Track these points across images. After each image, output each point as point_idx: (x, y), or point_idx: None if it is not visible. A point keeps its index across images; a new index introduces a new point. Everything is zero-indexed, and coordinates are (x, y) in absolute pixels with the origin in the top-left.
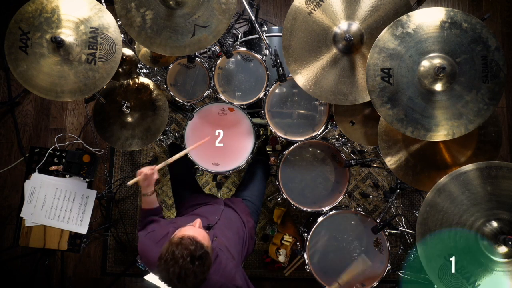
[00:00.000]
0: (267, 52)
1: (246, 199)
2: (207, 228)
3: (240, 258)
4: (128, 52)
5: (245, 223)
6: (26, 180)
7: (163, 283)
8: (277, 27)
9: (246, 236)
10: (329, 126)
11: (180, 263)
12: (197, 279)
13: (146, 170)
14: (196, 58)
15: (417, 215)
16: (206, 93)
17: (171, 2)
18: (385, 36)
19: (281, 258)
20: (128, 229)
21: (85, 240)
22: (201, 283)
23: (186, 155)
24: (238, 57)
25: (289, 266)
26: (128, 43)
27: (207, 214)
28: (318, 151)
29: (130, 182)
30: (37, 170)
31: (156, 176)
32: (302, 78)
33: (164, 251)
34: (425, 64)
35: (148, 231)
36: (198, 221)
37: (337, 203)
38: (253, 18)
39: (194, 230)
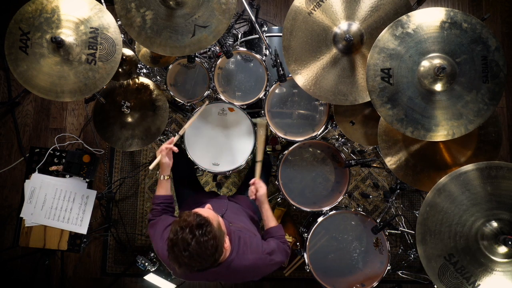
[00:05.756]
0: (267, 52)
1: None
2: None
3: (260, 234)
4: (128, 52)
5: (253, 216)
6: (26, 180)
7: (180, 269)
8: (277, 27)
9: (259, 222)
10: (329, 126)
11: (181, 236)
12: (203, 249)
13: (164, 146)
14: (196, 58)
15: (417, 215)
16: (206, 93)
17: (171, 2)
18: (385, 36)
19: None
20: (128, 229)
21: (85, 240)
22: (211, 257)
23: (187, 156)
24: (238, 57)
25: (289, 266)
26: (128, 43)
27: (213, 208)
28: (318, 151)
29: (151, 166)
30: (37, 170)
31: (175, 148)
32: (302, 78)
33: (170, 232)
34: (425, 64)
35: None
36: (207, 206)
37: (337, 203)
38: (253, 18)
39: (197, 209)
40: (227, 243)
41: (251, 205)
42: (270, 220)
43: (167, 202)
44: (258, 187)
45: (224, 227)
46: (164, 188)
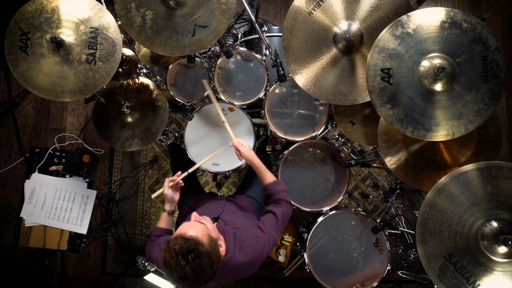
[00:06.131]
0: (267, 52)
1: (250, 196)
2: (215, 219)
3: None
4: (128, 52)
5: (252, 215)
6: (26, 180)
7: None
8: (277, 27)
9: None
10: (329, 126)
11: (174, 265)
12: (199, 271)
13: (168, 179)
14: (196, 58)
15: (417, 215)
16: (206, 93)
17: (171, 2)
18: (385, 36)
19: (281, 258)
20: (128, 229)
21: (85, 240)
22: (210, 272)
23: (187, 156)
24: (238, 57)
25: (289, 266)
26: (128, 43)
27: (210, 210)
28: (318, 151)
29: (153, 195)
30: (37, 170)
31: (180, 182)
32: (302, 78)
33: (162, 260)
34: (425, 64)
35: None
36: (193, 215)
37: (337, 203)
38: (253, 18)
39: (183, 227)
40: (222, 247)
41: (250, 204)
42: (266, 176)
43: (166, 235)
44: (238, 146)
45: (215, 233)
46: (165, 222)
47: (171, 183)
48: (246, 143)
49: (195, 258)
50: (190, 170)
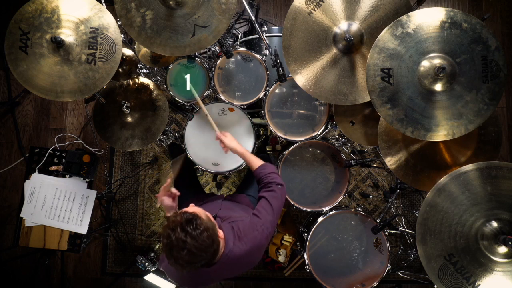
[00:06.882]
0: (267, 52)
1: (249, 195)
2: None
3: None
4: (128, 52)
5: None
6: (26, 180)
7: (183, 270)
8: (277, 27)
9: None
10: (329, 126)
11: (175, 237)
12: (200, 242)
13: (161, 190)
14: (196, 58)
15: (417, 215)
16: (206, 93)
17: (171, 2)
18: (385, 36)
19: (281, 258)
20: (128, 229)
21: (85, 240)
22: (210, 248)
23: (187, 156)
24: (238, 57)
25: (289, 266)
26: (128, 43)
27: (207, 210)
28: (318, 151)
29: (157, 205)
30: (37, 170)
31: (174, 191)
32: (302, 78)
33: (162, 239)
34: (425, 64)
35: None
36: (190, 205)
37: (337, 203)
38: (253, 18)
39: (183, 209)
40: (220, 233)
41: (250, 202)
42: (253, 162)
43: None
44: (222, 137)
45: (212, 219)
46: None
47: (161, 195)
48: (229, 134)
49: (195, 229)
50: (174, 177)
